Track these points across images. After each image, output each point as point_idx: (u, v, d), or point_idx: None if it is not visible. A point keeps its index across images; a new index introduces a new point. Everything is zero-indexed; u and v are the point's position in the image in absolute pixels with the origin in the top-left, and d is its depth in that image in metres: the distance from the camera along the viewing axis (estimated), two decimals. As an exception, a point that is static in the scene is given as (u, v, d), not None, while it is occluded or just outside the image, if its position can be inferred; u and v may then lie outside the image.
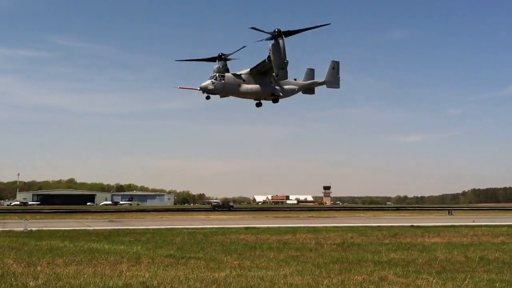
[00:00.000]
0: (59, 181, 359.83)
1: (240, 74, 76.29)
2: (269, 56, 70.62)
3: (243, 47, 70.98)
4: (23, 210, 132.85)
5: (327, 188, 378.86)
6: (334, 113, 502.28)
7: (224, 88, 74.36)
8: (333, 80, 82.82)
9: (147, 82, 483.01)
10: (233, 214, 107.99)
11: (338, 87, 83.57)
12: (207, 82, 73.83)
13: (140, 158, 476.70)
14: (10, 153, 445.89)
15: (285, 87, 78.62)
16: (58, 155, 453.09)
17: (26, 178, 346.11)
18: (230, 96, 78.32)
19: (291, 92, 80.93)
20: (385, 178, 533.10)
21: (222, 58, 74.81)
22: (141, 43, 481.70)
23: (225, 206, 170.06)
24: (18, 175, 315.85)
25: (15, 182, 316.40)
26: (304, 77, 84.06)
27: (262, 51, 71.36)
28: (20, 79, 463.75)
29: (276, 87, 77.35)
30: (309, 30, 67.81)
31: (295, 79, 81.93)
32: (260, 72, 75.13)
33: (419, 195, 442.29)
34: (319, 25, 66.54)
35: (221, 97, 79.66)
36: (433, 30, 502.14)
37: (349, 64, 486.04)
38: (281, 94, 77.83)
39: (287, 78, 74.35)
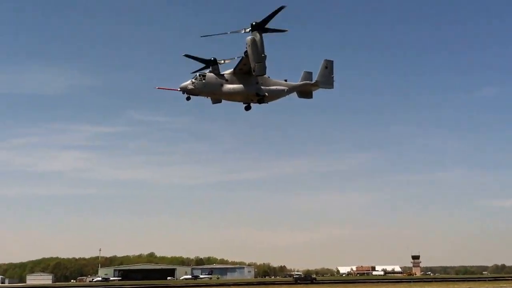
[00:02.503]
0: (140, 256, 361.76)
1: (223, 74, 74.30)
2: (246, 51, 69.59)
3: (224, 33, 68.94)
4: (109, 286, 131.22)
5: (416, 257, 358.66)
6: (422, 177, 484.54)
7: (205, 88, 72.55)
8: (325, 80, 79.87)
9: (224, 152, 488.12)
10: (316, 287, 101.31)
11: (332, 87, 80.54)
12: (187, 82, 72.59)
13: (219, 229, 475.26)
14: (92, 228, 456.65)
15: (272, 87, 76.63)
16: (139, 228, 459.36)
17: (107, 253, 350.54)
18: (223, 101, 76.12)
19: (279, 93, 78.00)
20: (480, 246, 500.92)
21: (214, 62, 73.81)
22: (216, 114, 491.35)
23: (308, 279, 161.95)
24: (100, 250, 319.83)
25: (97, 257, 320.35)
26: (300, 80, 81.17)
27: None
28: (102, 155, 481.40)
29: (261, 87, 75.05)
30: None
31: (285, 80, 79.04)
32: (243, 72, 73.32)
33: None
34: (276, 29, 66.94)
35: (213, 103, 77.76)
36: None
37: (437, 126, 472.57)
38: (266, 94, 75.11)
39: (265, 74, 71.97)
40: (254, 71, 70.44)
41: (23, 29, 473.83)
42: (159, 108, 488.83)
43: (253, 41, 67.64)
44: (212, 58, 73.95)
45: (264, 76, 74.43)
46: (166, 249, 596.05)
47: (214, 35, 70.50)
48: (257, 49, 68.10)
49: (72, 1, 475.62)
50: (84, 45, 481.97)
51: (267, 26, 67.68)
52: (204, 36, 72.15)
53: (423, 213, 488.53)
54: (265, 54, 68.81)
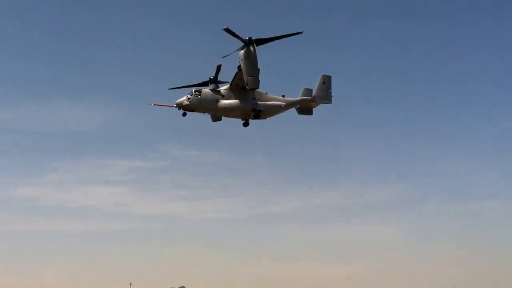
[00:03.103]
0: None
1: (219, 90, 73.31)
2: (240, 66, 70.56)
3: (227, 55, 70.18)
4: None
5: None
6: (458, 207, 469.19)
7: (201, 104, 73.57)
8: (323, 95, 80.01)
9: (255, 185, 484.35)
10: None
11: (330, 102, 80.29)
12: (182, 98, 74.33)
13: (252, 263, 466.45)
14: (124, 262, 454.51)
15: (268, 102, 76.27)
16: (170, 263, 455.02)
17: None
18: (223, 118, 75.68)
19: (276, 108, 78.24)
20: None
21: (213, 81, 74.67)
22: (247, 148, 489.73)
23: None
24: (130, 285, 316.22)
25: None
26: (300, 97, 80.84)
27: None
28: (134, 190, 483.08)
29: (258, 102, 72.91)
30: (281, 39, 66.44)
31: (283, 96, 76.93)
32: (240, 87, 73.73)
33: None
34: (291, 33, 66.19)
35: (212, 121, 77.52)
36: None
37: (466, 154, 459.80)
38: (262, 109, 75.20)
39: (258, 87, 72.26)
40: (247, 84, 69.57)
41: (54, 68, 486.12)
42: (191, 142, 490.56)
43: (246, 55, 67.36)
44: (210, 77, 74.95)
45: (261, 92, 74.12)
46: (198, 283, 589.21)
47: (230, 54, 70.80)
48: (250, 62, 69.23)
49: (98, 34, 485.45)
50: (114, 79, 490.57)
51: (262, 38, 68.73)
52: (224, 56, 72.57)
53: (461, 244, 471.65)
54: (259, 68, 68.27)
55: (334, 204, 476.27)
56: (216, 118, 77.17)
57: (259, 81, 70.18)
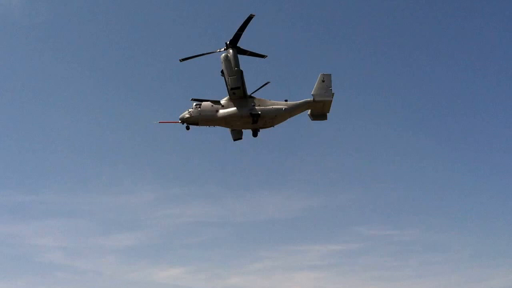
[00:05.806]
0: None
1: (219, 101, 76.44)
2: (222, 70, 72.96)
3: (201, 54, 73.03)
4: None
5: None
6: None
7: (201, 115, 75.42)
8: (322, 93, 78.07)
9: (460, 263, 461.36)
10: None
11: (331, 98, 78.45)
12: (184, 113, 76.38)
13: None
14: None
15: (268, 107, 76.49)
16: None
17: None
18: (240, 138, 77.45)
19: (276, 112, 76.95)
20: None
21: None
22: (445, 225, 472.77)
23: None
24: None
25: None
26: None
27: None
28: (334, 273, 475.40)
29: (255, 107, 75.83)
30: None
31: (285, 100, 77.57)
32: (238, 96, 75.53)
33: None
34: (256, 53, 73.39)
35: (234, 140, 79.58)
36: None
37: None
38: (259, 113, 75.49)
39: (239, 86, 74.06)
40: (228, 85, 72.98)
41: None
42: (386, 222, 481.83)
43: (226, 57, 71.57)
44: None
45: (262, 99, 75.73)
46: None
47: (193, 57, 73.60)
48: (230, 64, 71.74)
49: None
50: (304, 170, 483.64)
51: (246, 48, 72.43)
52: (183, 59, 73.91)
53: None
54: (240, 69, 72.15)
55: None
56: (236, 136, 79.48)
57: (240, 80, 73.01)
